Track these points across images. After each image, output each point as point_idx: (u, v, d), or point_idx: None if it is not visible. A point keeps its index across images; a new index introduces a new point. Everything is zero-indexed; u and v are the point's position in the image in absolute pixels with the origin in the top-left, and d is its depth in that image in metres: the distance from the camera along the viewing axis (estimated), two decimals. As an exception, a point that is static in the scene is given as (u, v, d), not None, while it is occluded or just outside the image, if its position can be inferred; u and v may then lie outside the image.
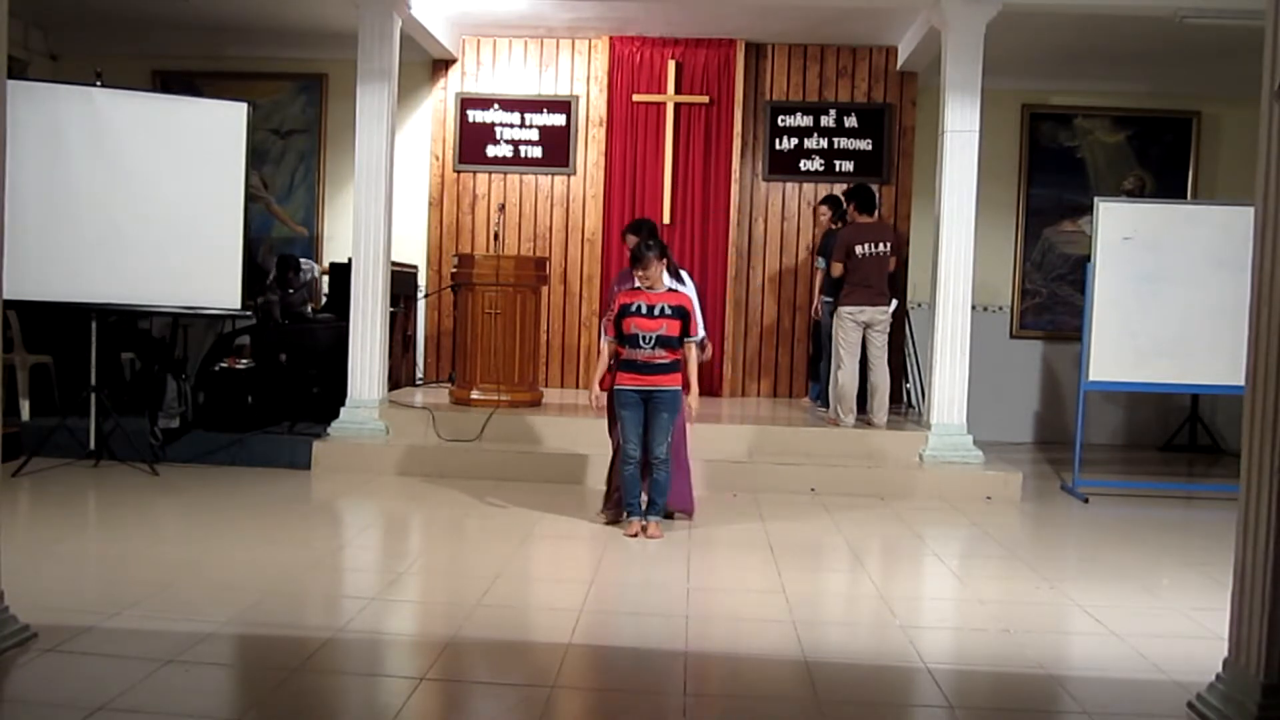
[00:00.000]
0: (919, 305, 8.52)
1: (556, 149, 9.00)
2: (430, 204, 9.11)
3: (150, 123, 6.69)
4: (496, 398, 7.35)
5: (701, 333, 5.43)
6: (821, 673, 3.49)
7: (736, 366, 8.99)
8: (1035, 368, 9.26)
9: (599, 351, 5.60)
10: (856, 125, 8.92)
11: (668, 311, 5.22)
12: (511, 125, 9.00)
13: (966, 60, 6.95)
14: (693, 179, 8.80)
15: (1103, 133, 9.16)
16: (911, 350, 8.42)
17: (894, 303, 7.35)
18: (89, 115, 6.51)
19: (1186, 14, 6.82)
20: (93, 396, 6.67)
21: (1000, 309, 9.23)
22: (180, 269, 6.66)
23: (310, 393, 7.56)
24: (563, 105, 8.97)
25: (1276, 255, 3.04)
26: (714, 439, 6.88)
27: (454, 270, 7.65)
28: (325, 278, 8.83)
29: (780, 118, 8.95)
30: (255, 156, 7.87)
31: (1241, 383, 3.22)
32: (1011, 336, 9.24)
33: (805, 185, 8.98)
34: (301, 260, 8.61)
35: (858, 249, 7.13)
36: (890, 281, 7.35)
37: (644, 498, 5.40)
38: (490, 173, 9.06)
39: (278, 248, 9.02)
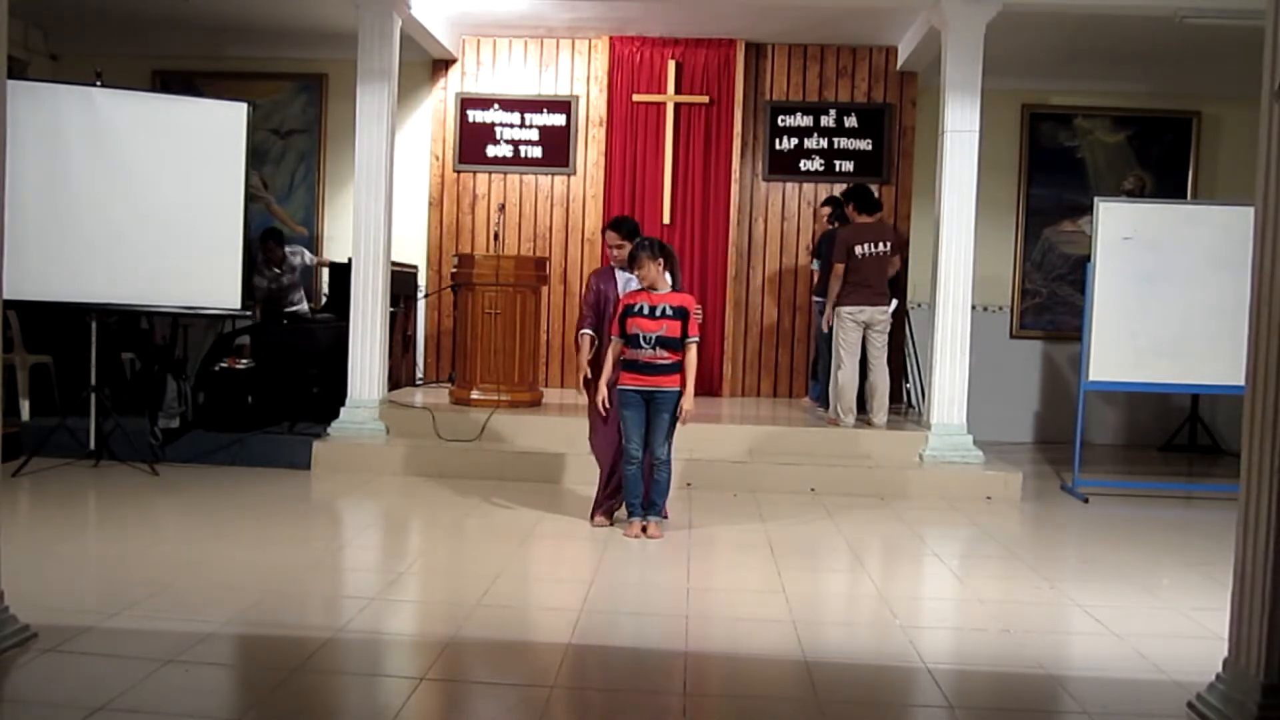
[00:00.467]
0: (919, 305, 8.52)
1: (556, 149, 9.00)
2: (430, 204, 9.11)
3: (150, 123, 6.69)
4: (496, 398, 7.35)
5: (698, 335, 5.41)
6: (821, 673, 3.49)
7: (736, 366, 8.99)
8: (1035, 368, 9.26)
9: (578, 349, 5.54)
10: (856, 125, 8.93)
11: (669, 313, 5.22)
12: (511, 125, 9.00)
13: (966, 60, 6.96)
14: (693, 179, 8.80)
15: (1103, 133, 9.16)
16: (911, 350, 8.42)
17: (894, 303, 7.35)
18: (89, 115, 6.51)
19: (1186, 14, 6.82)
20: (93, 396, 6.67)
21: (1000, 309, 9.23)
22: (180, 269, 6.66)
23: (310, 393, 7.56)
24: (563, 105, 8.97)
25: (1276, 255, 3.04)
26: (714, 439, 6.89)
27: (454, 270, 7.65)
28: (325, 271, 8.82)
29: (780, 118, 8.95)
30: (255, 156, 7.86)
31: (1241, 383, 3.22)
32: (1011, 336, 9.25)
33: (805, 185, 8.98)
34: (289, 248, 8.56)
35: (857, 249, 7.12)
36: (892, 282, 7.36)
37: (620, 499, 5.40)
38: (490, 173, 9.06)
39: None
